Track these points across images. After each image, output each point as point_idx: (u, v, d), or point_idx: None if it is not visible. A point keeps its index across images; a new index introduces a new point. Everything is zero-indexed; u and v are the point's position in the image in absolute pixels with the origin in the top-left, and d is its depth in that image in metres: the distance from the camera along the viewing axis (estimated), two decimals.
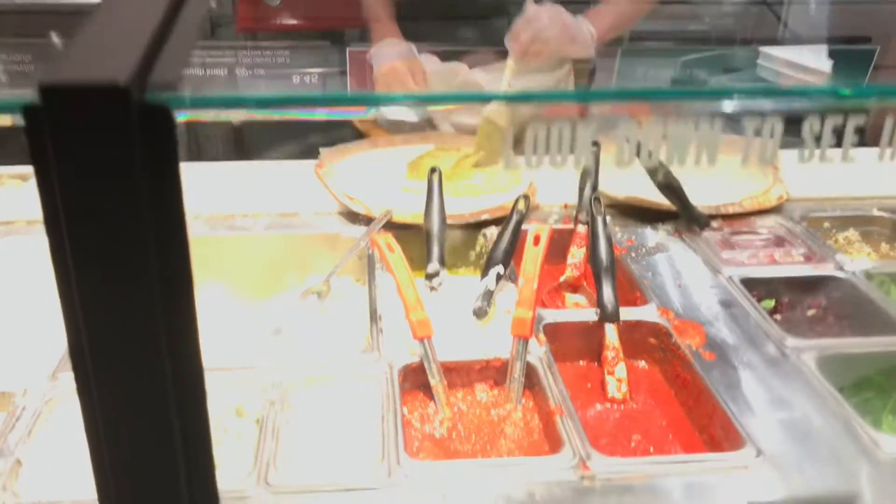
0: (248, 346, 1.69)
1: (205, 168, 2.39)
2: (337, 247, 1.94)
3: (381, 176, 2.18)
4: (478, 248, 1.98)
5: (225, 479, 1.27)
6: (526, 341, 1.46)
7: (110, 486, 0.65)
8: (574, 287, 1.85)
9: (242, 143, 3.64)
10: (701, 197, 2.02)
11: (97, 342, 0.59)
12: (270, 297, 1.93)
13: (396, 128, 2.62)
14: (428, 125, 2.59)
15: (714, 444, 1.37)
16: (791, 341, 1.54)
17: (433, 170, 1.85)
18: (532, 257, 1.51)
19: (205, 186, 2.18)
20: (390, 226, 1.96)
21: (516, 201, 1.76)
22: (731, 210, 2.05)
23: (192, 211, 2.01)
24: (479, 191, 2.13)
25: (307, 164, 2.27)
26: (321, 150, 2.35)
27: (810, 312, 1.75)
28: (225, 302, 1.90)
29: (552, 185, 2.19)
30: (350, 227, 2.00)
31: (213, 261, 1.94)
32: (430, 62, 2.58)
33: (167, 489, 0.66)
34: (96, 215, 0.55)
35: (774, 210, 2.09)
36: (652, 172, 1.95)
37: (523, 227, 1.75)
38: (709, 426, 1.39)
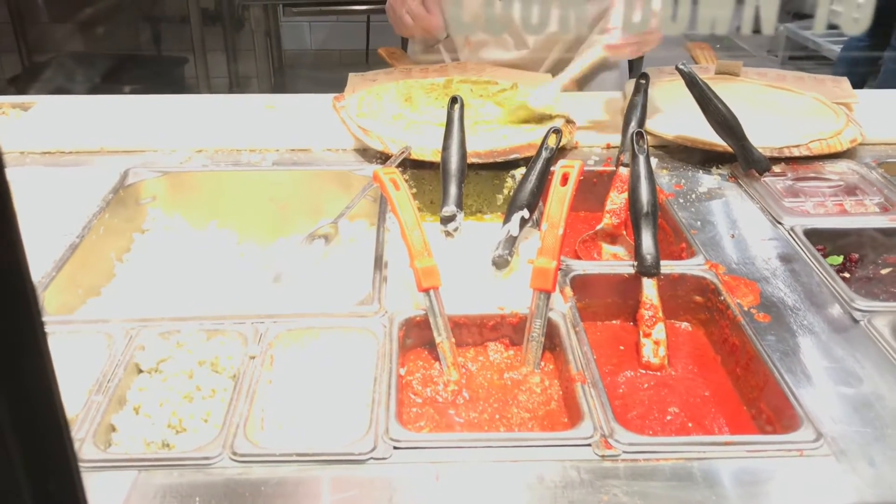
0: (244, 294, 1.53)
1: (207, 100, 2.22)
2: (350, 187, 1.76)
3: (402, 109, 1.97)
4: (506, 192, 1.77)
5: (189, 442, 1.12)
6: (548, 295, 1.26)
7: None
8: (613, 237, 1.63)
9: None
10: (762, 137, 1.78)
11: None
12: (276, 240, 1.76)
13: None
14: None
15: (765, 423, 1.16)
16: (861, 303, 1.32)
17: (454, 100, 1.64)
18: (558, 199, 1.30)
19: (208, 119, 2.01)
20: (411, 164, 1.77)
21: (546, 136, 1.54)
22: (795, 153, 1.80)
23: (193, 144, 1.87)
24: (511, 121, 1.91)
25: (324, 98, 2.08)
26: (350, 75, 2.16)
27: (885, 270, 1.52)
28: (228, 245, 1.74)
29: (595, 124, 1.97)
30: (365, 165, 1.81)
31: (216, 199, 1.77)
32: None
33: None
34: None
35: (846, 154, 1.83)
36: (706, 108, 1.71)
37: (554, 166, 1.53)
38: (759, 400, 1.19)
